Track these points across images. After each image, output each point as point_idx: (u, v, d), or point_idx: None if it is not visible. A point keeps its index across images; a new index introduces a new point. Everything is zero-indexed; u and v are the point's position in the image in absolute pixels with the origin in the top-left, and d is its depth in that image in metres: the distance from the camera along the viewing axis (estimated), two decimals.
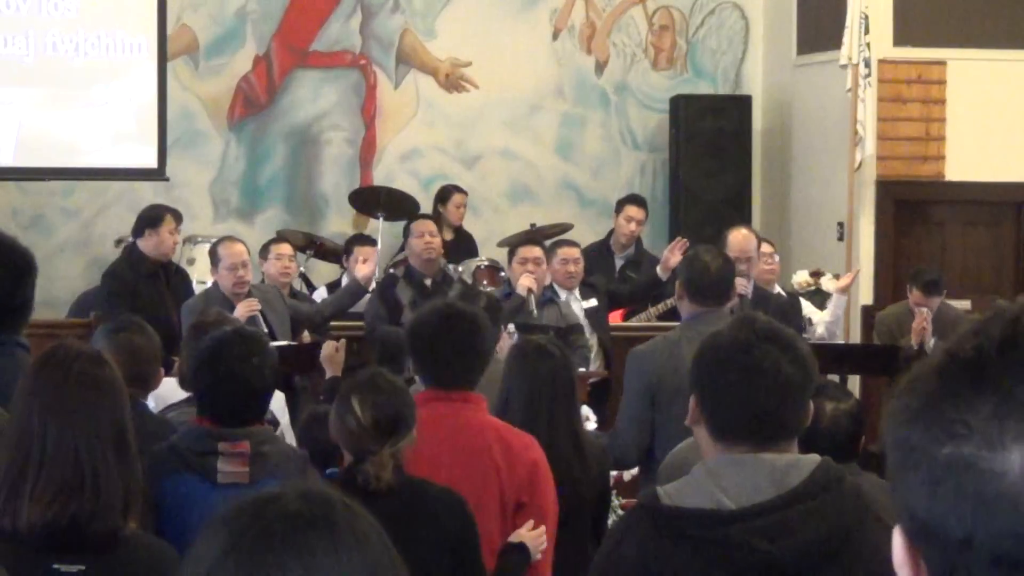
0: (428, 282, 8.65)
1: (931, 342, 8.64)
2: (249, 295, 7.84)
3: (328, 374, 6.01)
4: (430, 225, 8.96)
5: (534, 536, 4.15)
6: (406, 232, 9.08)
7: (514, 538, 4.13)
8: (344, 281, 9.68)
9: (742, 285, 7.61)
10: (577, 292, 8.58)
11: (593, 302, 8.59)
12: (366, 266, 8.60)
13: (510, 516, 4.20)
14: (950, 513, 1.17)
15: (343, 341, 6.36)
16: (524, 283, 8.02)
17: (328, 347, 6.16)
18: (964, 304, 10.78)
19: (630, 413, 5.25)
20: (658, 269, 9.01)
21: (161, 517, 3.77)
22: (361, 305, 8.89)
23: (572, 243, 8.84)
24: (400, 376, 7.02)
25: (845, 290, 9.14)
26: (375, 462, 3.67)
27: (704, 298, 5.27)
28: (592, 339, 8.47)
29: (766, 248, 8.63)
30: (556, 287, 8.51)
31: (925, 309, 8.73)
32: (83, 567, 2.88)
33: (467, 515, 3.82)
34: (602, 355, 8.60)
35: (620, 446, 5.26)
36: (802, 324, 8.47)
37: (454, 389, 4.23)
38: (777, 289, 8.72)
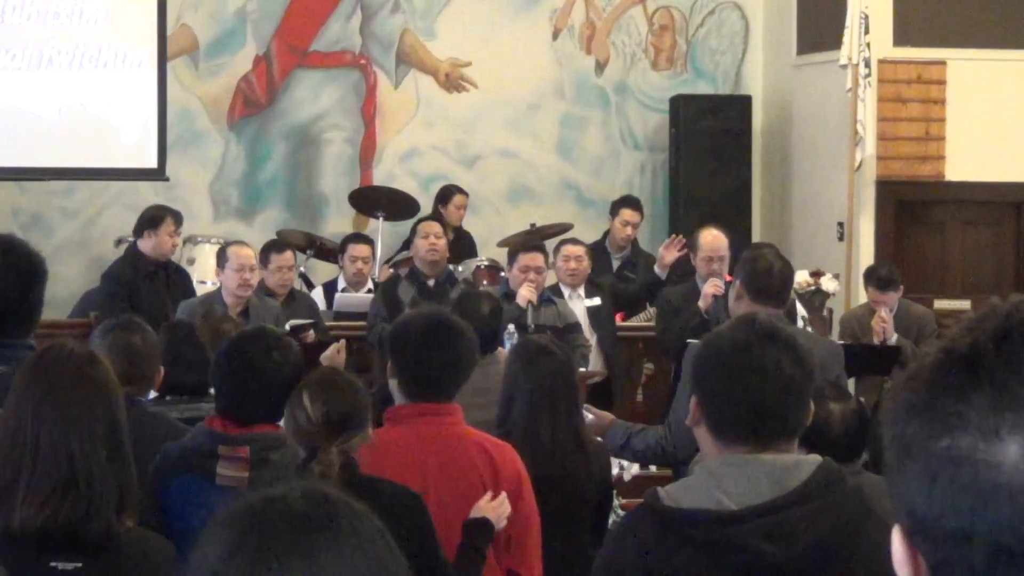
0: (431, 283, 8.67)
1: (893, 338, 8.69)
2: (248, 303, 7.91)
3: None
4: (436, 227, 8.99)
5: (495, 507, 4.05)
6: (413, 232, 9.12)
7: (475, 512, 4.04)
8: (340, 282, 9.68)
9: (715, 286, 7.63)
10: (582, 290, 8.59)
11: (597, 301, 8.59)
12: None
13: (502, 531, 4.14)
14: (948, 506, 1.18)
15: (343, 342, 6.38)
16: (523, 294, 7.97)
17: (331, 348, 6.18)
18: (964, 304, 10.78)
19: (686, 408, 5.20)
20: (656, 268, 9.05)
21: (166, 517, 3.77)
22: (363, 306, 8.91)
23: (576, 241, 8.87)
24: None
25: None
26: (323, 459, 3.60)
27: (766, 298, 5.20)
28: (592, 338, 8.47)
29: None
30: (561, 285, 8.53)
31: (884, 308, 8.77)
32: (80, 564, 2.89)
33: (421, 510, 3.75)
34: (602, 355, 8.59)
35: (679, 440, 5.21)
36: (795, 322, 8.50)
37: (435, 401, 4.14)
38: None
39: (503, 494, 4.09)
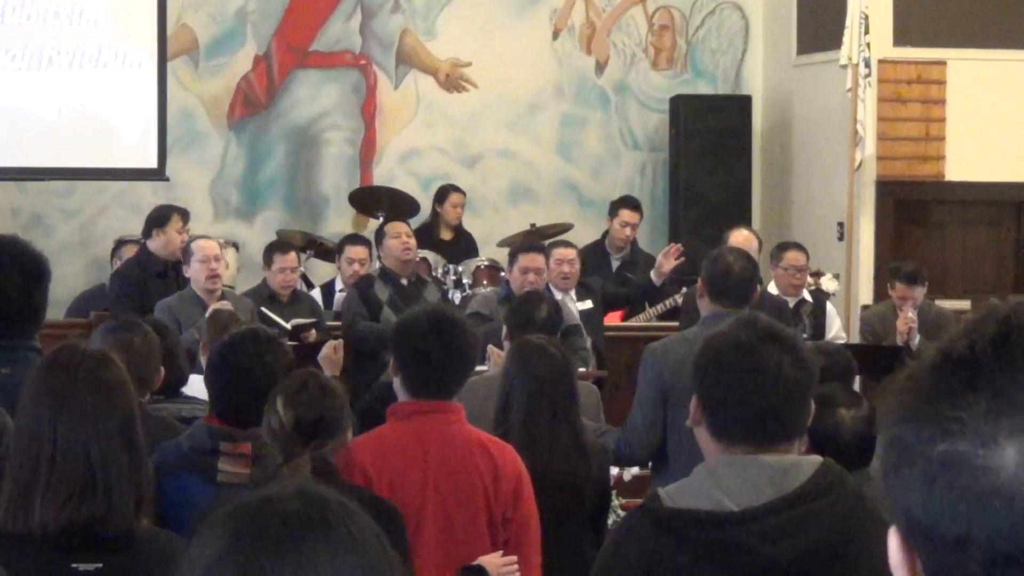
0: (404, 282, 8.65)
1: (916, 340, 8.62)
2: (223, 295, 7.87)
3: (327, 375, 5.99)
4: (404, 226, 8.97)
5: (499, 564, 4.00)
6: (380, 234, 9.02)
7: (479, 560, 4.00)
8: (338, 283, 9.66)
9: None
10: (573, 293, 8.57)
11: (588, 304, 8.57)
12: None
13: (499, 531, 4.12)
14: (945, 511, 1.18)
15: (340, 341, 6.34)
16: None
17: (327, 347, 6.15)
18: (964, 304, 10.76)
19: (643, 410, 5.20)
20: (652, 275, 9.04)
21: (163, 515, 3.77)
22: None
23: (568, 244, 8.80)
24: (379, 373, 6.92)
25: None
26: (292, 465, 3.59)
27: (725, 298, 5.17)
28: (586, 342, 8.46)
29: (800, 260, 8.53)
30: (552, 288, 8.49)
31: (911, 311, 8.68)
32: (100, 564, 2.89)
33: (397, 522, 3.70)
34: (595, 358, 8.57)
35: (631, 442, 5.22)
36: (824, 323, 8.49)
37: (438, 398, 4.13)
38: (804, 294, 8.67)
39: (514, 557, 4.04)
